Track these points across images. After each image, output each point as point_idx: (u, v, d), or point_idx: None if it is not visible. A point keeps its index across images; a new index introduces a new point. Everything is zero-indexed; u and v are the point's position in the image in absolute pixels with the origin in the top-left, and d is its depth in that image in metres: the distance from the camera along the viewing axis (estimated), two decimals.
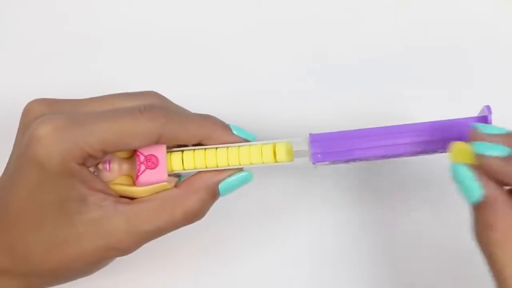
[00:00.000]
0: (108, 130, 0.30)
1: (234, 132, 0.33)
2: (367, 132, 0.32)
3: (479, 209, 0.29)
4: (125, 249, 0.32)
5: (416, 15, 0.42)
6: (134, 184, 0.32)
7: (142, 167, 0.32)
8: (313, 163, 0.32)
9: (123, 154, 0.33)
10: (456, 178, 0.29)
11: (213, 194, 0.32)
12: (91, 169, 0.32)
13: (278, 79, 0.41)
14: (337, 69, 0.41)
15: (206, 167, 0.32)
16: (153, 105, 0.31)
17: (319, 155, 0.32)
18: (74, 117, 0.31)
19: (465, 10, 0.42)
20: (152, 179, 0.32)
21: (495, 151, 0.28)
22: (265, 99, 0.41)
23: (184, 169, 0.33)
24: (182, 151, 0.33)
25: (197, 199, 0.32)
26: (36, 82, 0.41)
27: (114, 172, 0.33)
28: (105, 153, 0.31)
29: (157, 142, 0.31)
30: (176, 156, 0.33)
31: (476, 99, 0.40)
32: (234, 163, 0.32)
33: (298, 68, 0.41)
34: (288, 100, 0.41)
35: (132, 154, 0.33)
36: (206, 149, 0.33)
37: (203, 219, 0.32)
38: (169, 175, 0.32)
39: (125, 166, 0.33)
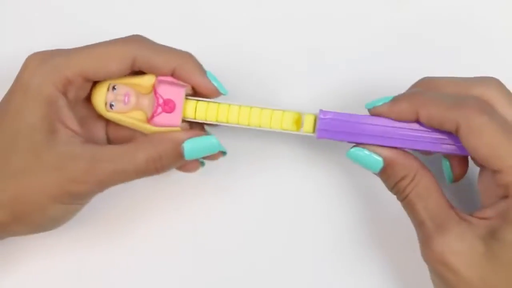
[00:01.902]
0: (86, 55, 0.33)
1: (208, 76, 0.34)
2: (377, 121, 0.33)
3: (386, 171, 0.33)
4: (85, 189, 0.32)
5: (416, 14, 0.42)
6: (147, 121, 0.34)
7: (159, 109, 0.34)
8: (317, 138, 0.34)
9: (142, 90, 0.34)
10: (356, 159, 0.33)
11: (177, 151, 0.33)
12: (109, 98, 0.34)
13: (278, 79, 0.41)
14: (334, 66, 0.41)
15: (216, 121, 0.34)
16: (130, 35, 0.34)
17: (324, 132, 0.33)
18: (60, 50, 0.34)
19: (464, 8, 0.42)
20: (166, 122, 0.34)
21: (381, 101, 0.33)
22: (263, 98, 0.41)
23: (195, 118, 0.34)
24: (197, 100, 0.34)
25: (160, 150, 0.33)
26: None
27: (130, 105, 0.34)
28: (85, 79, 0.33)
29: (133, 66, 0.33)
30: (190, 104, 0.34)
31: None
32: (245, 122, 0.34)
33: (297, 66, 0.42)
34: (287, 97, 0.41)
35: (151, 91, 0.34)
36: (220, 103, 0.34)
37: None
38: (182, 121, 0.34)
39: (142, 102, 0.34)
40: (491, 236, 0.30)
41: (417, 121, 0.33)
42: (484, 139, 0.30)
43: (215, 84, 0.35)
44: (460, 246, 0.31)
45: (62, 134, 0.32)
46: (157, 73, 0.34)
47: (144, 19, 0.42)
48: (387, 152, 0.33)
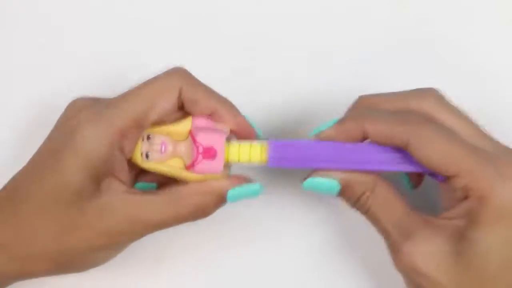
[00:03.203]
0: (135, 99, 0.32)
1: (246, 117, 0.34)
2: (327, 145, 0.33)
3: (345, 192, 0.33)
4: (126, 240, 0.33)
5: (415, 12, 0.42)
6: (185, 168, 0.33)
7: (200, 157, 0.32)
8: (269, 166, 0.33)
9: (178, 137, 0.33)
10: (312, 188, 0.33)
11: (222, 200, 0.33)
12: (145, 148, 0.33)
13: (278, 78, 0.41)
14: (335, 66, 0.41)
15: (250, 161, 0.33)
16: (172, 68, 0.33)
17: (274, 159, 0.33)
18: (106, 100, 0.33)
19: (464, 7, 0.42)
20: (208, 169, 0.33)
21: (326, 125, 0.33)
22: (266, 100, 0.41)
23: (239, 161, 0.33)
24: (240, 144, 0.33)
25: (207, 201, 0.32)
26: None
27: (167, 154, 0.33)
28: (139, 126, 0.32)
29: (180, 100, 0.33)
30: (233, 148, 0.33)
31: (474, 96, 0.41)
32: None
33: (296, 64, 0.42)
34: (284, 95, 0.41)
35: (187, 137, 0.33)
36: (257, 144, 0.33)
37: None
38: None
39: (179, 149, 0.33)
40: (458, 236, 0.30)
41: (365, 139, 0.33)
42: (435, 148, 0.31)
43: (253, 126, 0.34)
44: (428, 249, 0.31)
45: (105, 184, 0.32)
46: (199, 108, 0.33)
47: (144, 19, 0.42)
48: (341, 175, 0.33)
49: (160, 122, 0.33)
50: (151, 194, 0.32)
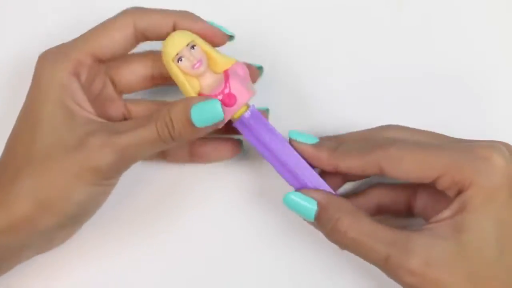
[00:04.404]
0: (89, 34, 0.34)
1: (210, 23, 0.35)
2: (289, 152, 0.34)
3: (321, 218, 0.33)
4: (106, 162, 0.32)
5: (416, 15, 0.42)
6: (198, 94, 0.34)
7: (220, 96, 0.33)
8: (232, 125, 0.35)
9: (214, 67, 0.34)
10: (292, 207, 0.33)
11: (187, 116, 0.32)
12: (183, 53, 0.33)
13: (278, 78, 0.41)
14: (333, 68, 0.41)
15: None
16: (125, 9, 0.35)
17: (241, 124, 0.34)
18: (68, 41, 0.35)
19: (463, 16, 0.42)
20: None
21: (305, 139, 0.34)
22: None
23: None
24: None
25: (172, 114, 0.32)
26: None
27: (195, 72, 0.33)
28: (94, 57, 0.34)
29: (136, 32, 0.34)
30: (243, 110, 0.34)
31: (473, 99, 0.41)
32: None
33: (297, 66, 0.42)
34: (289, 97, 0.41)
35: (219, 74, 0.34)
36: None
37: None
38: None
39: (205, 77, 0.34)
40: (458, 231, 0.30)
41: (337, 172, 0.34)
42: (408, 161, 0.32)
43: (220, 28, 0.35)
44: (435, 256, 0.30)
45: (80, 115, 0.33)
46: (158, 29, 0.34)
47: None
48: (320, 196, 0.33)
49: (117, 55, 0.35)
50: (127, 120, 0.35)
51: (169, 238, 0.39)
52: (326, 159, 0.34)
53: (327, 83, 0.41)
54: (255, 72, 0.38)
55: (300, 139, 0.34)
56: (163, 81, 0.37)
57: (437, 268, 0.30)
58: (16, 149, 0.33)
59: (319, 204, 0.33)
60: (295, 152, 0.34)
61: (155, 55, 0.37)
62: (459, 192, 0.31)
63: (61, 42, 0.35)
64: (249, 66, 0.36)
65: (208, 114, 0.32)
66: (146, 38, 0.35)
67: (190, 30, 0.34)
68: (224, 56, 0.34)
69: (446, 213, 0.31)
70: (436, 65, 0.41)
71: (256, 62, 0.39)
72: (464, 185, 0.31)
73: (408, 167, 0.32)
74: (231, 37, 0.36)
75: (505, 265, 0.31)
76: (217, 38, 0.35)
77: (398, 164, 0.32)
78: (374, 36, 0.42)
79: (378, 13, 0.42)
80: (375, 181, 0.37)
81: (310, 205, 0.33)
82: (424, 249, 0.30)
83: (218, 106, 0.32)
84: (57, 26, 0.42)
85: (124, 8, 0.35)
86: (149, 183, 0.39)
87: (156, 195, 0.39)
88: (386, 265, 0.31)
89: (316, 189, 0.34)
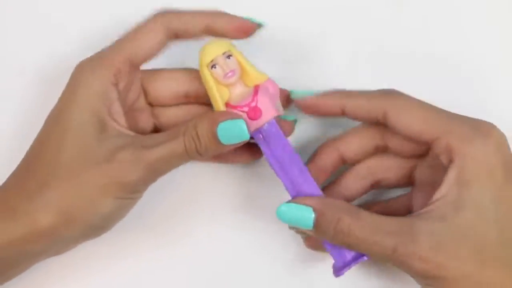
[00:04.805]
0: (125, 40, 0.34)
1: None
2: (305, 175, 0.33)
3: (320, 223, 0.31)
4: (134, 177, 0.32)
5: (416, 15, 0.42)
6: (225, 105, 0.34)
7: (245, 108, 0.34)
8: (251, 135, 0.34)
9: (245, 80, 0.34)
10: (287, 220, 0.32)
11: (213, 132, 0.32)
12: (218, 61, 0.33)
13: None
14: (331, 66, 0.41)
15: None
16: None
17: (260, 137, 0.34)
18: (104, 49, 0.35)
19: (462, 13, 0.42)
20: None
21: (307, 93, 0.35)
22: None
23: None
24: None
25: (198, 130, 0.32)
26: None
27: (226, 81, 0.34)
28: (132, 63, 0.34)
29: (168, 35, 0.34)
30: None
31: (473, 97, 0.41)
32: None
33: (296, 67, 0.42)
34: None
35: (249, 88, 0.34)
36: None
37: None
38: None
39: (235, 87, 0.34)
40: (458, 209, 0.30)
41: (343, 115, 0.34)
42: (413, 114, 0.32)
43: (254, 21, 0.35)
44: (441, 239, 0.30)
45: (112, 127, 0.33)
46: (192, 32, 0.34)
47: None
48: (314, 202, 0.32)
49: (150, 59, 0.35)
50: (156, 133, 0.34)
51: (174, 243, 0.39)
52: (332, 101, 0.34)
53: (327, 83, 0.40)
54: (285, 94, 0.37)
55: (302, 94, 0.35)
56: (197, 99, 0.37)
57: (444, 252, 0.30)
58: (42, 154, 0.33)
59: (315, 209, 0.32)
60: (301, 165, 0.34)
61: (193, 73, 0.36)
62: (452, 161, 0.31)
63: (88, 45, 0.36)
64: (282, 90, 0.36)
65: (234, 133, 0.32)
66: (178, 38, 0.35)
67: (226, 32, 0.34)
68: (257, 71, 0.34)
69: (444, 189, 0.31)
70: (436, 65, 0.41)
71: (256, 62, 0.39)
72: (459, 153, 0.31)
73: (412, 119, 0.32)
74: (259, 25, 0.35)
75: (505, 245, 0.31)
76: (245, 29, 0.35)
77: (403, 114, 0.32)
78: (374, 36, 0.42)
79: (378, 13, 0.42)
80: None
81: (306, 213, 0.32)
82: (429, 234, 0.30)
83: (243, 126, 0.32)
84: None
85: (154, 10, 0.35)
86: (150, 187, 0.38)
87: (158, 200, 0.39)
88: (395, 256, 0.30)
89: (309, 196, 0.33)
